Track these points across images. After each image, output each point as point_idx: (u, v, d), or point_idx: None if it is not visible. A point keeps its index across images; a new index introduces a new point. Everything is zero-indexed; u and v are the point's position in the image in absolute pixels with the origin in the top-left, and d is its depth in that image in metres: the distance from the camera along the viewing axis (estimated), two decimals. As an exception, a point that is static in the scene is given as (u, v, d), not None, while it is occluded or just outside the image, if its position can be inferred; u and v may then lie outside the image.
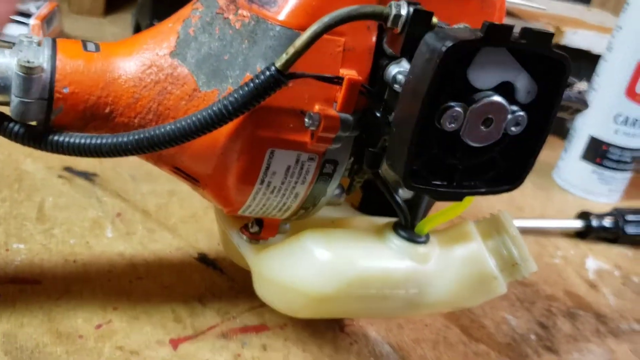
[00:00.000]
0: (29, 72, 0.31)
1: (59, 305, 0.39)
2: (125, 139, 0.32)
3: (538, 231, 0.62)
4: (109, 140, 0.32)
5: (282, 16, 0.32)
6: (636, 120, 0.68)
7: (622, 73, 0.67)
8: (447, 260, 0.38)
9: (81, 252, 0.45)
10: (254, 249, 0.39)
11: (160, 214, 0.51)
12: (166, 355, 0.38)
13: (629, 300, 0.56)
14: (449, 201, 0.34)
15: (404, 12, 0.30)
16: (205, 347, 0.39)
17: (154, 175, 0.55)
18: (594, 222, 0.62)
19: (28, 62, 0.31)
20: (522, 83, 0.31)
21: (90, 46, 0.34)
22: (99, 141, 0.32)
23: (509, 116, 0.31)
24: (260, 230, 0.39)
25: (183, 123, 0.31)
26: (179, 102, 0.33)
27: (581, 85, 0.38)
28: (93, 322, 0.39)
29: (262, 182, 0.34)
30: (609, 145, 0.69)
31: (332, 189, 0.36)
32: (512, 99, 0.31)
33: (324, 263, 0.36)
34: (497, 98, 0.30)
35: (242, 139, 0.33)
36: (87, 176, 0.54)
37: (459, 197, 0.33)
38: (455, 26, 0.32)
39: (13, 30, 0.73)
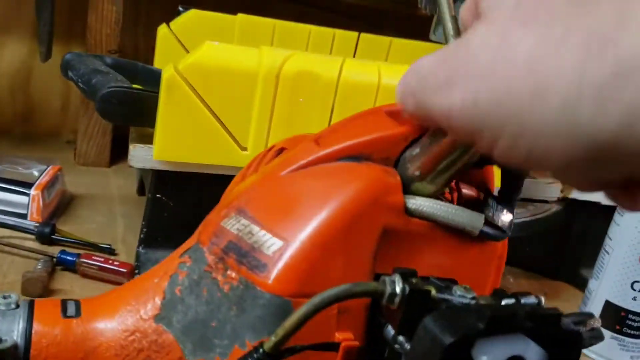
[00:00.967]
0: (1, 352, 0.29)
1: None
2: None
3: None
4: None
5: (271, 282, 0.30)
6: (654, 285, 0.65)
7: (635, 239, 0.65)
8: None
9: None
10: None
11: None
12: None
13: None
14: None
15: (398, 290, 0.28)
16: None
17: None
18: (618, 405, 0.58)
19: (0, 340, 0.29)
20: (532, 355, 0.29)
21: (71, 309, 0.32)
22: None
23: (520, 394, 0.28)
24: None
25: (166, 404, 0.29)
26: (163, 371, 0.31)
27: (594, 322, 0.36)
28: None
29: None
30: (627, 311, 0.66)
31: None
32: (522, 372, 0.29)
33: None
34: (505, 382, 0.28)
35: (230, 414, 0.30)
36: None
37: None
38: (456, 291, 0.30)
39: (14, 199, 0.73)
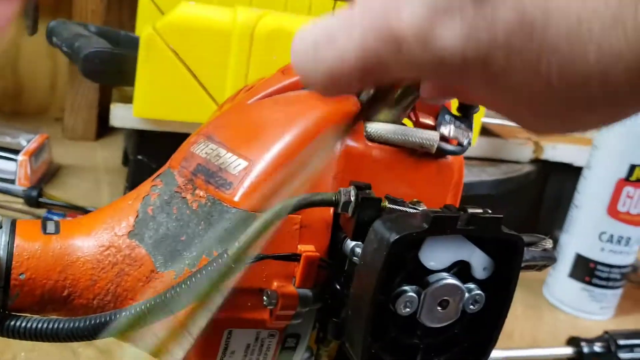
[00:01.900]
0: (-16, 263, 0.31)
1: None
2: (82, 325, 0.32)
3: (528, 360, 0.61)
4: (66, 325, 0.32)
5: (237, 198, 0.32)
6: (621, 238, 0.67)
7: (602, 192, 0.67)
8: None
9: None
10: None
11: (135, 365, 0.50)
12: None
13: None
14: (412, 381, 0.33)
15: (352, 198, 0.31)
16: None
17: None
18: (585, 349, 0.61)
19: (-16, 253, 0.31)
20: (477, 261, 0.31)
21: (50, 227, 0.34)
22: (56, 326, 0.32)
23: (466, 295, 0.31)
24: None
25: (138, 309, 0.31)
26: (136, 284, 0.33)
27: (546, 243, 0.38)
28: None
29: (222, 361, 0.34)
30: (596, 263, 0.69)
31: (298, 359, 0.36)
32: (468, 276, 0.31)
33: None
34: (451, 280, 0.30)
35: (199, 321, 0.32)
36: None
37: (422, 378, 0.32)
38: (408, 204, 0.32)
39: (2, 165, 0.74)
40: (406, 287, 0.30)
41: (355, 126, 0.35)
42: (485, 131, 0.80)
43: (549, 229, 0.83)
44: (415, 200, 0.33)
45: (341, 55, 0.22)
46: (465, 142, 0.36)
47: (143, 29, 0.57)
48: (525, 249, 0.37)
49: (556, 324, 0.69)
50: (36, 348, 0.50)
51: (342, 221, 0.33)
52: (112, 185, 0.80)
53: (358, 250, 0.31)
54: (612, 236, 0.67)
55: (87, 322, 0.32)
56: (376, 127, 0.35)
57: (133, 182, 0.66)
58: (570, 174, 0.77)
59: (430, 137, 0.35)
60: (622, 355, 0.61)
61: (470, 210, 0.31)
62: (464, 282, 0.31)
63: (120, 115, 0.61)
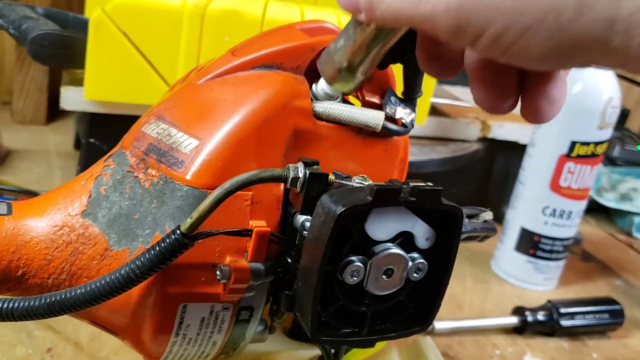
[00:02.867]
0: (-64, 245, 0.32)
1: None
2: (37, 303, 0.32)
3: (477, 330, 0.63)
4: (21, 304, 0.32)
5: (188, 176, 0.33)
6: (563, 211, 0.70)
7: (545, 168, 0.70)
8: (369, 393, 0.38)
9: (6, 398, 0.44)
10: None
11: (92, 345, 0.51)
12: None
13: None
14: (361, 348, 0.35)
15: (301, 174, 0.32)
16: None
17: (88, 302, 0.55)
18: (529, 318, 0.63)
19: None
20: (420, 231, 0.33)
21: (2, 209, 0.35)
22: (10, 305, 0.32)
23: (410, 264, 0.32)
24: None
25: (92, 286, 0.31)
26: (91, 262, 0.34)
27: (486, 215, 0.40)
28: None
29: (177, 334, 0.35)
30: (540, 236, 0.72)
31: (252, 332, 0.37)
32: (412, 246, 0.33)
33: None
34: (395, 250, 0.32)
35: (153, 296, 0.33)
36: (18, 308, 0.53)
37: (370, 344, 0.34)
38: (355, 180, 0.33)
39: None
40: (353, 258, 0.31)
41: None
42: (435, 111, 0.82)
43: (497, 205, 0.86)
44: (361, 175, 0.34)
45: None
46: (408, 123, 0.37)
47: (92, 11, 0.56)
48: (466, 220, 0.39)
49: (503, 295, 0.72)
50: (-9, 331, 0.50)
51: (292, 196, 0.34)
52: (64, 169, 0.80)
53: (308, 224, 0.33)
54: (554, 210, 0.71)
55: (42, 301, 0.32)
56: (324, 106, 0.36)
57: (85, 166, 0.65)
58: (516, 151, 0.80)
59: (375, 117, 0.36)
60: (563, 322, 0.64)
61: (413, 184, 0.32)
62: (408, 252, 0.32)
63: (71, 98, 0.60)
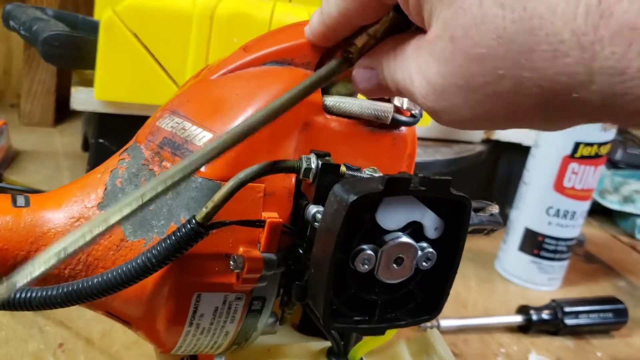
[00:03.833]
0: (-43, 235, 0.32)
1: None
2: (54, 293, 0.33)
3: (481, 328, 0.64)
4: (39, 294, 0.33)
5: (203, 168, 0.34)
6: (567, 212, 0.71)
7: (549, 168, 0.71)
8: (379, 383, 0.39)
9: (19, 391, 0.44)
10: (191, 383, 0.39)
11: (103, 341, 0.51)
12: None
13: (571, 395, 0.57)
14: (372, 335, 0.35)
15: (313, 165, 0.33)
16: None
17: (98, 299, 0.55)
18: (534, 316, 0.64)
19: (-44, 224, 0.32)
20: (429, 221, 0.33)
21: (20, 200, 0.35)
22: (28, 295, 0.33)
23: (419, 253, 0.33)
24: (196, 365, 0.39)
25: (109, 276, 0.32)
26: (107, 252, 0.35)
27: (493, 208, 0.41)
28: None
29: (190, 324, 0.35)
30: (544, 236, 0.72)
31: (263, 323, 0.38)
32: (421, 236, 0.33)
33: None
34: (405, 239, 0.32)
35: (168, 286, 0.34)
36: (29, 305, 0.54)
37: (381, 332, 0.34)
38: (365, 171, 0.34)
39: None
40: (364, 246, 0.32)
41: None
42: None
43: (501, 206, 0.86)
44: (371, 167, 0.35)
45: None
46: (417, 113, 0.38)
47: (103, 12, 0.57)
48: (473, 213, 0.40)
49: (507, 295, 0.73)
50: (3, 327, 0.50)
51: (304, 188, 0.35)
52: (72, 170, 0.80)
53: (319, 216, 0.33)
54: (558, 210, 0.71)
55: (60, 290, 0.33)
56: (334, 100, 0.37)
57: (94, 166, 0.66)
58: (520, 153, 0.81)
59: (385, 109, 0.37)
60: (567, 321, 0.65)
61: (422, 175, 0.33)
62: (417, 241, 0.33)
63: (82, 99, 0.61)
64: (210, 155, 0.29)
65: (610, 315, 0.66)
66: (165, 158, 0.35)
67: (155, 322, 0.35)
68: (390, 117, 0.37)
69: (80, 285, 0.32)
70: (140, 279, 0.32)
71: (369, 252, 0.32)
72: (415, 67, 0.28)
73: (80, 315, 0.54)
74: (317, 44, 0.36)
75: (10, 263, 0.34)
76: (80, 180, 0.37)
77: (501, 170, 0.86)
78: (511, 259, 0.75)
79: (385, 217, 0.32)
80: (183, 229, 0.32)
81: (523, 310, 0.65)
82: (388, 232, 0.32)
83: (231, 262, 0.34)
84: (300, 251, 0.35)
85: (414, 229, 0.33)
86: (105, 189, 0.36)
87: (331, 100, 0.37)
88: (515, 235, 0.75)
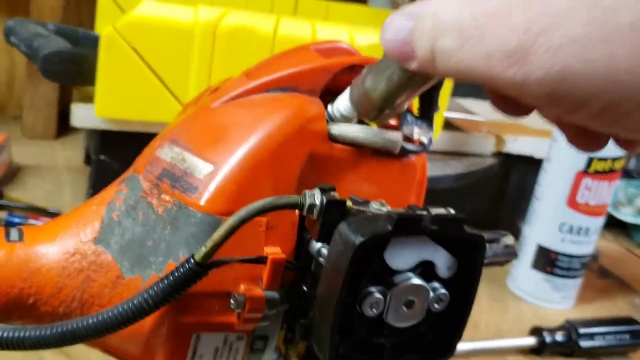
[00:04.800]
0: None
1: None
2: (47, 333, 0.31)
3: (494, 351, 0.62)
4: (32, 334, 0.31)
5: (202, 202, 0.32)
6: (580, 228, 0.69)
7: (562, 184, 0.69)
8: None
9: None
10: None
11: (102, 368, 0.50)
12: None
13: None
14: (380, 378, 0.34)
15: (317, 201, 0.31)
16: None
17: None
18: (547, 338, 0.62)
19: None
20: (441, 260, 0.32)
21: (14, 234, 0.34)
22: (21, 334, 0.31)
23: (431, 295, 0.31)
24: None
25: (105, 316, 0.30)
26: (103, 290, 0.33)
27: (507, 239, 0.39)
28: None
29: (190, 365, 0.34)
30: (557, 253, 0.70)
31: (266, 361, 0.36)
32: (433, 275, 0.32)
33: None
34: (416, 281, 0.31)
35: (166, 326, 0.32)
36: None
37: (389, 376, 0.33)
38: (372, 205, 0.32)
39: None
40: (372, 289, 0.30)
41: None
42: (448, 125, 0.81)
43: (512, 220, 0.85)
44: (379, 201, 0.33)
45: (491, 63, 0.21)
46: (427, 142, 0.36)
47: (103, 28, 0.56)
48: (487, 246, 0.38)
49: (520, 314, 0.71)
50: (2, 354, 0.49)
51: (308, 223, 0.33)
52: (74, 185, 0.79)
53: (324, 251, 0.32)
54: (571, 227, 0.69)
55: (54, 330, 0.31)
56: (340, 129, 0.35)
57: (95, 183, 0.65)
58: (531, 166, 0.79)
59: (393, 138, 0.35)
60: (582, 343, 0.63)
61: (434, 211, 0.31)
62: (429, 281, 0.31)
63: (82, 115, 0.60)
64: None
65: (627, 336, 0.64)
66: (164, 190, 0.34)
67: (153, 362, 0.34)
68: (399, 147, 0.35)
69: (75, 326, 0.31)
70: (136, 320, 0.30)
71: (378, 295, 0.30)
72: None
73: (80, 341, 0.52)
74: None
75: (3, 301, 0.32)
76: (76, 211, 0.36)
77: (512, 184, 0.84)
78: (524, 276, 0.74)
79: (395, 256, 0.31)
80: (181, 269, 0.30)
81: (536, 332, 0.63)
82: (397, 272, 0.31)
83: (232, 301, 0.33)
84: (305, 288, 0.33)
85: (425, 268, 0.31)
86: (102, 222, 0.34)
87: (337, 129, 0.35)
88: (527, 252, 0.73)
